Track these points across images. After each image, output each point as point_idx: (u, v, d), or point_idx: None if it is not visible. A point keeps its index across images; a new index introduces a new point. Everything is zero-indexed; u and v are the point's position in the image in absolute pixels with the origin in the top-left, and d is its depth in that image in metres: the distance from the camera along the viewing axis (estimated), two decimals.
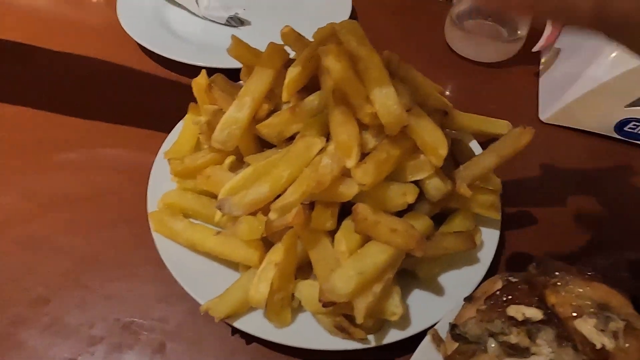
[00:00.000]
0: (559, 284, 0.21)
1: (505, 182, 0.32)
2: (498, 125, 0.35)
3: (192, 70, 0.39)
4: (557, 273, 0.21)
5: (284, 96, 0.28)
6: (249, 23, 0.50)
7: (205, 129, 0.30)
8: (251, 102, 0.28)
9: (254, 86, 0.29)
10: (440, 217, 0.30)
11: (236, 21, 0.49)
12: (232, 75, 0.34)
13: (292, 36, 0.31)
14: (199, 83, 0.31)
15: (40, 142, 0.38)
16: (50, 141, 0.38)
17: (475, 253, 0.30)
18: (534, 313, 0.21)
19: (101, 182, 0.35)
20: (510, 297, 0.22)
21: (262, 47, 0.31)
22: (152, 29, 0.47)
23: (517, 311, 0.21)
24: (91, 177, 0.36)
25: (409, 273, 0.29)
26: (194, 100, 0.34)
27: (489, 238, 0.31)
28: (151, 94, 0.43)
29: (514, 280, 0.23)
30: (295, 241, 0.26)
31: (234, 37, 0.30)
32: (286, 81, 0.28)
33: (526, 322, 0.21)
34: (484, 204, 0.30)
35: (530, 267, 0.23)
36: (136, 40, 0.45)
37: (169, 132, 0.36)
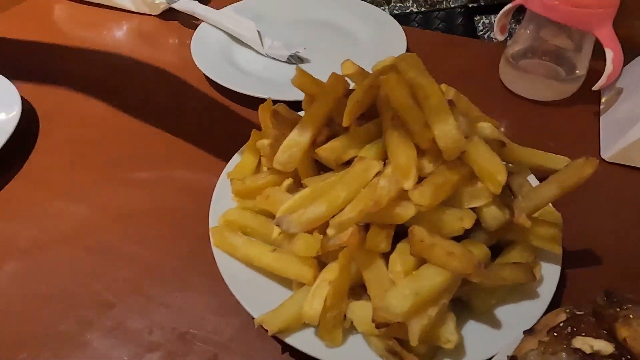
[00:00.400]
0: (631, 316, 0.20)
1: (566, 217, 0.31)
2: (557, 160, 0.34)
3: (255, 102, 0.42)
4: (629, 305, 0.20)
5: (345, 122, 0.30)
6: (308, 61, 0.53)
7: (268, 151, 0.31)
8: (312, 127, 0.30)
9: (316, 112, 0.30)
10: (497, 250, 0.30)
11: (296, 59, 0.53)
12: (291, 107, 0.36)
13: (353, 68, 0.33)
14: (265, 108, 0.33)
15: (116, 160, 0.42)
16: (124, 160, 0.42)
17: (535, 287, 0.29)
18: (604, 346, 0.19)
19: (167, 199, 0.38)
20: (575, 329, 0.21)
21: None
22: (220, 65, 0.51)
23: (585, 343, 0.20)
24: (158, 194, 0.38)
25: (464, 303, 0.28)
26: (256, 128, 0.36)
27: (550, 272, 0.29)
28: (217, 123, 0.46)
29: (579, 312, 0.22)
30: (350, 260, 0.27)
31: (298, 68, 0.33)
32: (347, 108, 0.29)
33: (594, 355, 0.20)
34: (543, 236, 0.29)
35: (598, 298, 0.22)
36: (206, 74, 0.49)
37: (230, 156, 0.38)
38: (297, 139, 0.30)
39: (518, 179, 0.32)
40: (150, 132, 0.45)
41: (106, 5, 0.65)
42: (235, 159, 0.37)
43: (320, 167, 0.32)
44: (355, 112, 0.30)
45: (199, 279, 0.32)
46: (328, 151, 0.29)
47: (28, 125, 0.44)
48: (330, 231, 0.25)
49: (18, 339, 0.29)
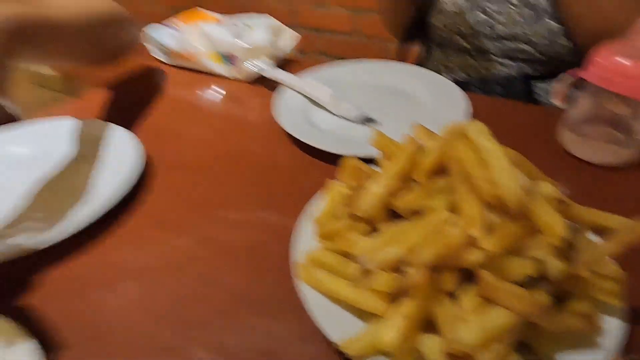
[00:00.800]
0: None
1: (633, 271, 0.33)
2: (617, 221, 0.36)
3: (328, 156, 0.51)
4: None
5: (419, 178, 0.34)
6: (377, 122, 0.59)
7: (348, 199, 0.37)
8: (389, 180, 0.35)
9: (393, 168, 0.36)
10: (558, 302, 0.32)
11: (367, 120, 0.59)
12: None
13: (424, 131, 0.38)
14: (347, 162, 0.39)
15: (213, 201, 0.49)
16: (220, 202, 0.49)
17: (597, 338, 0.31)
18: None
19: (255, 237, 0.44)
20: None
21: None
22: (300, 123, 0.58)
23: None
24: (248, 232, 0.44)
25: (528, 347, 0.30)
26: (329, 178, 0.42)
27: (612, 326, 0.31)
28: (297, 173, 0.53)
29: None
30: (421, 297, 0.30)
31: (376, 130, 0.39)
32: (422, 166, 0.34)
33: None
34: (604, 289, 0.31)
35: None
36: (287, 131, 0.57)
37: (306, 201, 0.44)
38: (376, 190, 0.35)
39: (577, 234, 0.35)
40: (242, 178, 0.52)
41: (203, 71, 0.76)
42: (314, 204, 0.43)
43: (393, 215, 0.37)
44: (429, 170, 0.34)
45: (283, 307, 0.37)
46: (404, 202, 0.34)
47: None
48: (408, 270, 0.29)
49: (132, 350, 0.35)
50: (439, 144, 0.35)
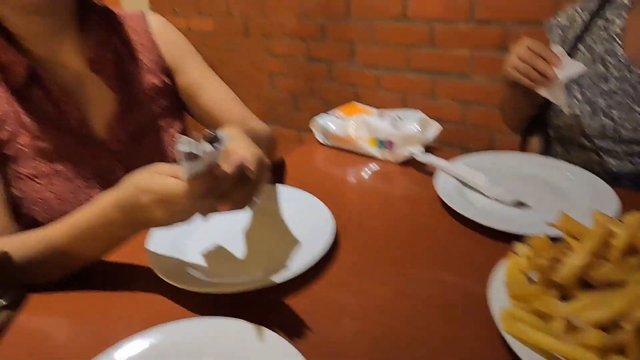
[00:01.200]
0: None
1: None
2: None
3: (484, 230, 0.60)
4: None
5: (611, 255, 0.42)
6: (529, 207, 0.68)
7: (545, 268, 0.45)
8: (585, 255, 0.43)
9: (586, 245, 0.43)
10: None
11: (520, 205, 0.68)
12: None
13: (604, 218, 0.46)
14: (538, 239, 0.48)
15: (401, 260, 0.59)
16: (406, 260, 0.58)
17: None
18: None
19: (443, 293, 0.52)
20: None
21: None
22: (458, 200, 0.68)
23: None
24: (436, 289, 0.53)
25: None
26: (491, 249, 0.50)
27: None
28: (456, 241, 0.62)
29: None
30: (635, 352, 0.36)
31: (562, 212, 0.47)
32: (614, 245, 0.42)
33: None
34: None
35: None
36: (451, 206, 0.66)
37: (486, 269, 0.52)
38: (575, 263, 0.43)
39: None
40: (418, 239, 0.63)
41: (357, 153, 0.91)
42: (498, 270, 0.51)
43: (584, 284, 0.44)
44: (622, 249, 0.42)
45: (486, 350, 0.44)
46: (600, 274, 0.42)
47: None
48: (625, 326, 0.36)
49: None
50: (628, 229, 0.43)
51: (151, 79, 0.79)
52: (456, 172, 0.75)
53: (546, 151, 1.04)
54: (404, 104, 1.75)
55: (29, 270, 0.56)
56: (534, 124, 1.06)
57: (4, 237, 0.58)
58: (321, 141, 0.97)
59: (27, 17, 0.65)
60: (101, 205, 0.53)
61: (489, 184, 0.71)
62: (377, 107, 0.97)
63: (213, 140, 0.42)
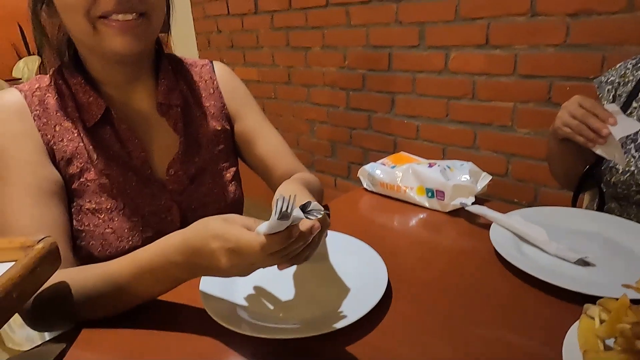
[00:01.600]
0: None
1: None
2: None
3: (551, 290, 0.57)
4: None
5: None
6: (594, 265, 0.64)
7: (629, 333, 0.41)
8: None
9: None
10: None
11: (583, 263, 0.64)
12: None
13: None
14: (618, 299, 0.45)
15: (454, 317, 0.56)
16: (460, 318, 0.56)
17: None
18: None
19: (512, 357, 0.49)
20: None
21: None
22: (516, 255, 0.65)
23: None
24: (498, 348, 0.50)
25: None
26: (545, 308, 0.47)
27: None
28: (515, 297, 0.59)
29: None
30: None
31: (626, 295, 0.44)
32: None
33: None
34: None
35: None
36: (509, 261, 0.64)
37: (553, 330, 0.49)
38: None
39: None
40: (475, 294, 0.60)
41: (404, 201, 0.90)
42: (571, 332, 0.48)
43: None
44: None
45: None
46: None
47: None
48: None
49: None
50: None
51: (213, 124, 0.83)
52: (513, 225, 0.72)
53: (600, 207, 1.00)
54: (444, 154, 1.74)
55: (85, 304, 0.57)
56: (586, 179, 1.03)
57: (65, 269, 0.60)
58: (368, 188, 0.97)
59: (111, 65, 0.71)
60: (165, 245, 0.54)
61: (549, 240, 0.68)
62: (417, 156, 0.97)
63: (305, 207, 0.46)
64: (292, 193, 0.58)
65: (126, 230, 0.71)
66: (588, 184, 1.04)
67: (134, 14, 0.63)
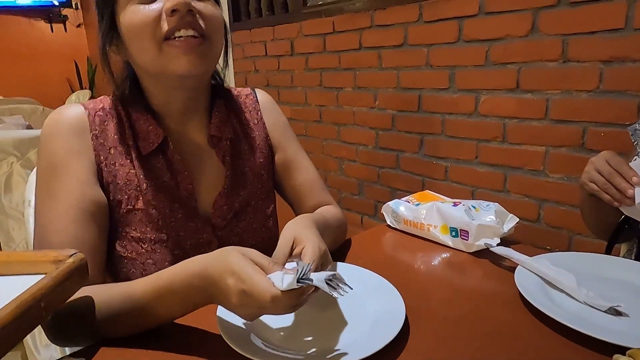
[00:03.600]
0: None
1: None
2: None
3: (579, 338, 0.54)
4: None
5: None
6: (627, 315, 0.61)
7: None
8: None
9: None
10: None
11: (615, 312, 0.61)
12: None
13: None
14: None
15: (472, 354, 0.54)
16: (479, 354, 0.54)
17: None
18: None
19: None
20: None
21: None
22: (542, 298, 0.63)
23: None
24: None
25: None
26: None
27: None
28: (554, 350, 0.56)
29: None
30: None
31: None
32: None
33: None
34: None
35: None
36: (532, 302, 0.61)
37: None
38: None
39: None
40: (498, 337, 0.57)
41: (427, 239, 0.89)
42: None
43: None
44: None
45: None
46: None
47: None
48: None
49: None
50: None
51: (259, 157, 0.84)
52: (540, 269, 0.70)
53: (637, 255, 0.96)
54: (474, 197, 1.72)
55: (106, 320, 0.58)
56: (622, 229, 0.98)
57: (89, 286, 0.62)
58: (391, 225, 0.97)
59: (172, 92, 0.73)
60: (186, 269, 0.55)
61: (578, 286, 0.65)
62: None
63: (331, 278, 0.51)
64: (301, 230, 0.61)
65: (167, 263, 0.72)
66: (625, 234, 0.99)
67: (195, 31, 0.65)
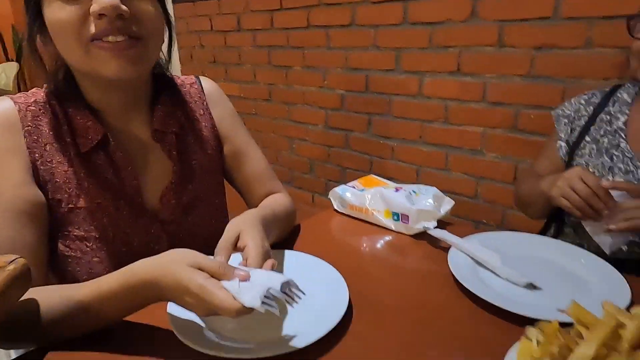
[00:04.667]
0: None
1: None
2: None
3: (500, 313, 0.61)
4: None
5: (622, 347, 0.43)
6: (540, 289, 0.69)
7: (554, 356, 0.46)
8: (596, 345, 0.44)
9: (597, 336, 0.45)
10: None
11: (532, 287, 0.69)
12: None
13: (577, 308, 0.48)
14: (551, 326, 0.49)
15: (409, 342, 0.60)
16: (416, 344, 0.59)
17: None
18: None
19: None
20: None
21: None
22: (471, 279, 0.70)
23: None
24: None
25: None
26: (510, 335, 0.51)
27: None
28: (468, 320, 0.63)
29: None
30: None
31: (574, 302, 0.49)
32: (624, 337, 0.43)
33: None
34: None
35: None
36: (464, 284, 0.68)
37: (498, 352, 0.53)
38: (586, 352, 0.44)
39: None
40: (431, 318, 0.63)
41: (372, 223, 0.94)
42: (510, 354, 0.52)
43: None
44: (630, 342, 0.43)
45: None
46: None
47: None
48: None
49: None
50: (637, 322, 0.44)
51: (207, 150, 0.83)
52: (470, 250, 0.77)
53: (558, 232, 1.06)
54: (418, 175, 1.80)
55: (51, 323, 0.58)
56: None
57: (34, 288, 0.61)
58: (338, 209, 1.01)
59: (107, 91, 0.70)
60: (134, 275, 0.55)
61: (502, 265, 0.73)
62: (392, 176, 1.02)
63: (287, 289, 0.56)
64: (246, 228, 0.63)
65: (114, 260, 0.71)
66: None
67: (126, 36, 0.61)
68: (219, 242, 0.62)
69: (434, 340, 0.60)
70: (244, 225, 0.64)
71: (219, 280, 0.52)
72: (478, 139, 1.60)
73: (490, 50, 1.49)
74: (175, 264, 0.53)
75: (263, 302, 0.50)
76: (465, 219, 1.69)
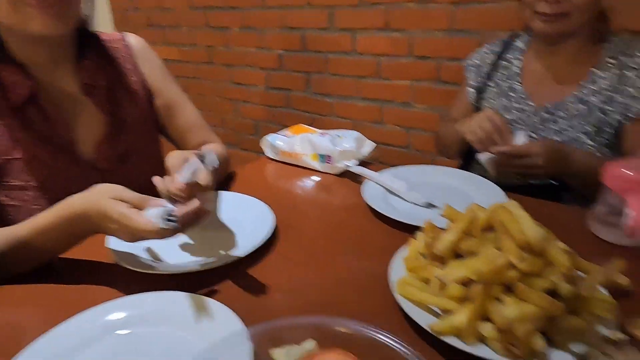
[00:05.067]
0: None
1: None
2: (621, 277, 0.54)
3: (402, 226, 0.71)
4: None
5: (475, 232, 0.55)
6: (437, 207, 0.81)
7: (430, 244, 0.57)
8: (457, 233, 0.56)
9: (458, 226, 0.56)
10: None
11: (431, 206, 0.81)
12: None
13: (452, 211, 0.60)
14: (429, 224, 0.60)
15: (326, 249, 0.70)
16: (330, 250, 0.70)
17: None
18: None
19: (360, 273, 0.64)
20: None
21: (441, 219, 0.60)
22: (382, 205, 0.81)
23: None
24: (355, 271, 0.65)
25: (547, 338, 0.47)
26: (402, 239, 0.63)
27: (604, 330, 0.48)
28: (380, 236, 0.74)
29: None
30: (480, 300, 0.49)
31: (447, 205, 0.61)
32: (477, 225, 0.55)
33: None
34: (599, 306, 0.48)
35: None
36: (375, 208, 0.79)
37: (390, 252, 0.64)
38: (449, 238, 0.55)
39: (585, 280, 0.53)
40: (341, 238, 0.74)
41: (301, 166, 1.03)
42: (400, 252, 0.63)
43: (457, 256, 0.56)
44: (482, 228, 0.55)
45: (381, 312, 0.55)
46: (466, 246, 0.54)
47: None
48: (472, 284, 0.48)
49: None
50: (488, 213, 0.56)
51: (139, 104, 0.86)
52: (380, 180, 0.88)
53: (468, 166, 1.20)
54: (355, 129, 1.90)
55: None
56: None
57: None
58: (271, 157, 1.09)
59: (32, 46, 0.72)
60: (68, 207, 0.60)
61: (407, 190, 0.84)
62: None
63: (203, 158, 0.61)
64: (186, 155, 0.68)
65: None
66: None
67: None
68: (170, 165, 0.66)
69: (344, 250, 0.71)
70: (184, 154, 0.68)
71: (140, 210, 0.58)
72: (407, 92, 1.72)
73: (413, 6, 1.58)
74: (100, 195, 0.58)
75: (167, 220, 0.54)
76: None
